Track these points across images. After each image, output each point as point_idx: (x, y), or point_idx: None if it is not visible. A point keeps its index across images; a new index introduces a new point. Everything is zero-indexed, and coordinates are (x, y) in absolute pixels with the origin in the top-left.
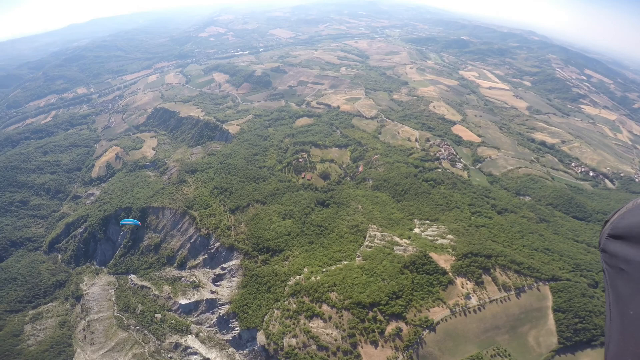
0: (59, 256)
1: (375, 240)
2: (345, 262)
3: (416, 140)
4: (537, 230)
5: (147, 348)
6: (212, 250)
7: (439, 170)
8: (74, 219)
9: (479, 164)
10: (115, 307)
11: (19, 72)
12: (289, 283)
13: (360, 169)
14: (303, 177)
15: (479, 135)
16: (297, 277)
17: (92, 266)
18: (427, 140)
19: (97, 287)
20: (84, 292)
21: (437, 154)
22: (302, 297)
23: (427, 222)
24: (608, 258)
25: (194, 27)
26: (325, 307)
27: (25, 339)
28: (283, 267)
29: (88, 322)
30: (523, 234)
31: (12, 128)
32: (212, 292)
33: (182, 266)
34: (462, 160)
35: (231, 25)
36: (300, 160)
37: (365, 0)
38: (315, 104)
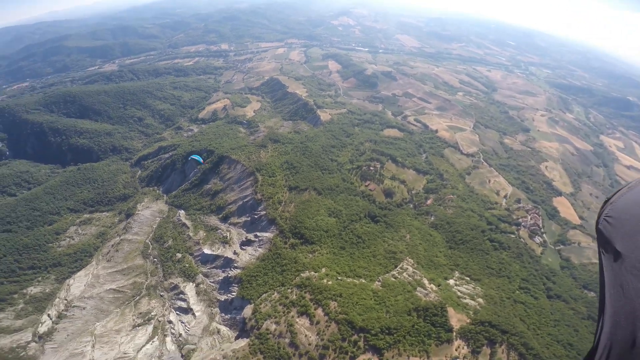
0: (139, 172)
1: (404, 274)
2: (363, 281)
3: (505, 196)
4: (576, 325)
5: (148, 280)
6: (256, 216)
7: (512, 236)
8: (167, 144)
9: (562, 246)
10: (151, 235)
11: (188, 20)
12: (302, 274)
13: (429, 202)
14: (366, 185)
15: (580, 217)
16: (312, 272)
17: (157, 191)
18: (518, 201)
19: (149, 211)
20: (137, 212)
21: (520, 220)
22: (305, 292)
23: (467, 278)
24: (603, 239)
25: (330, 13)
26: (319, 311)
27: (61, 239)
28: (305, 258)
29: (120, 240)
30: (558, 322)
31: (162, 63)
32: (234, 252)
33: (225, 219)
34: (544, 235)
35: (362, 20)
36: (371, 168)
37: (519, 31)
38: (413, 120)
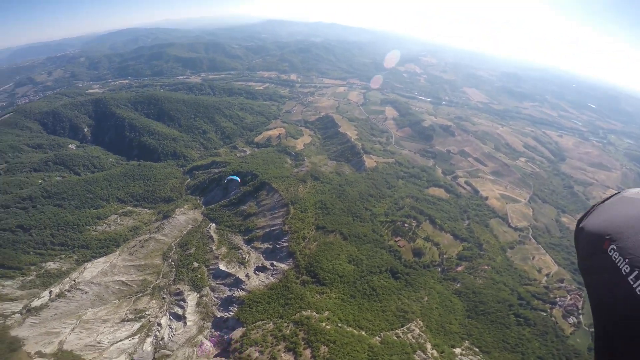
0: (188, 180)
1: (409, 335)
2: (363, 333)
3: (547, 275)
4: None
5: (158, 281)
6: (278, 246)
7: (543, 314)
8: (220, 160)
9: None
10: (178, 240)
11: (269, 47)
12: (303, 312)
13: (460, 268)
14: (396, 241)
15: None
16: (314, 313)
17: (198, 201)
18: (561, 280)
19: (185, 217)
20: (173, 216)
21: (557, 299)
22: (299, 330)
23: (476, 349)
24: (582, 251)
25: (397, 58)
26: (307, 352)
27: (100, 224)
28: (312, 297)
29: (149, 238)
30: None
31: (237, 84)
32: (247, 275)
33: (249, 241)
34: (581, 317)
35: (429, 68)
36: (405, 224)
37: (604, 91)
38: (463, 182)
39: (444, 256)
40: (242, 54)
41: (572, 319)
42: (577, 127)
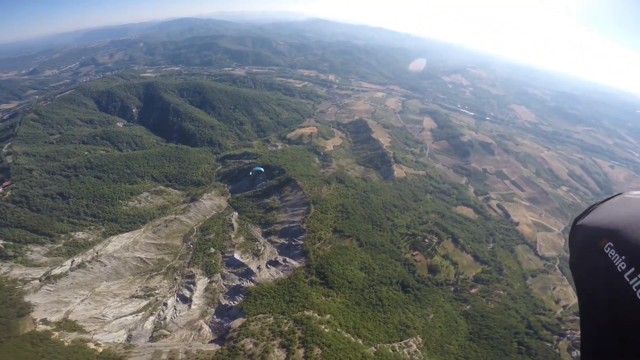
0: (219, 167)
1: (405, 350)
2: (360, 342)
3: (564, 307)
4: None
5: (174, 261)
6: (293, 243)
7: (548, 345)
8: (252, 152)
9: None
10: (201, 224)
11: (312, 45)
12: (305, 311)
13: (473, 290)
14: (413, 255)
15: None
16: (316, 314)
17: (225, 188)
18: (577, 313)
19: (210, 202)
20: (200, 200)
21: (567, 332)
22: (298, 328)
23: None
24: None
25: (444, 68)
26: (301, 351)
27: (132, 199)
28: (317, 299)
29: (174, 218)
30: None
31: (278, 79)
32: (258, 267)
33: (267, 234)
34: None
35: (476, 81)
36: (426, 240)
37: None
38: (495, 204)
39: (460, 276)
40: (285, 51)
41: (576, 353)
42: (633, 158)
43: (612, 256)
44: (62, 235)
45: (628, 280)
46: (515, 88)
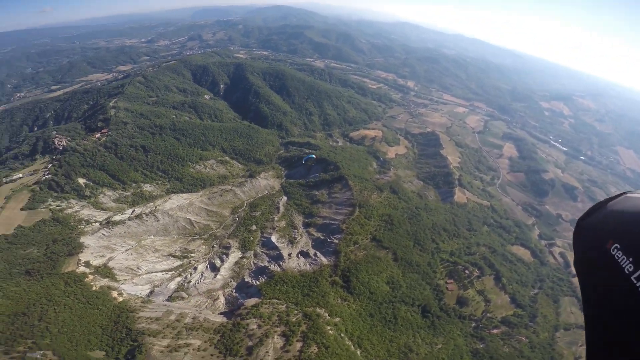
0: (282, 151)
1: None
2: (359, 352)
3: None
4: None
5: (217, 230)
6: (329, 240)
7: None
8: (314, 143)
9: None
10: (251, 200)
11: (395, 48)
12: (317, 309)
13: (495, 331)
14: (446, 282)
15: None
16: (326, 314)
17: (282, 172)
18: None
19: (265, 182)
20: (257, 178)
21: None
22: (304, 323)
23: None
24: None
25: (544, 93)
26: (298, 345)
27: (199, 164)
28: (334, 300)
29: (230, 189)
30: None
31: (353, 77)
32: (289, 254)
33: (306, 225)
34: None
35: (581, 113)
36: (466, 271)
37: None
38: (558, 252)
39: (487, 314)
40: (366, 49)
41: None
42: None
43: (619, 257)
44: (133, 185)
45: (635, 282)
46: (628, 127)
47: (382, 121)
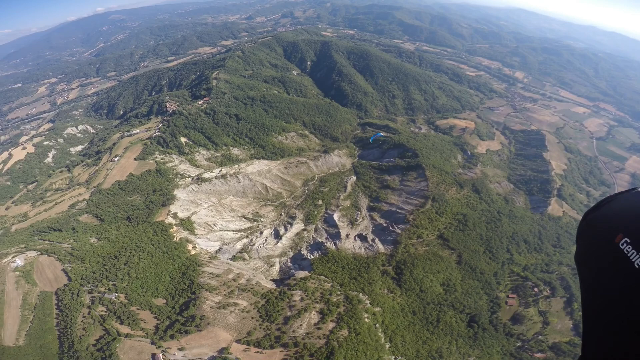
0: (358, 131)
1: None
2: (387, 346)
3: None
4: None
5: (287, 199)
6: (390, 228)
7: None
8: (393, 127)
9: None
10: (322, 175)
11: (504, 35)
12: (361, 294)
13: (538, 355)
14: (507, 296)
15: None
16: (368, 302)
17: (355, 152)
18: None
19: (337, 159)
20: (330, 154)
21: None
22: (343, 306)
23: None
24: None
25: None
26: (330, 325)
27: (281, 135)
28: (380, 289)
29: (305, 162)
30: None
31: (448, 62)
32: (347, 235)
33: (371, 209)
34: None
35: None
36: (535, 289)
37: None
38: None
39: (539, 336)
40: (467, 34)
41: None
42: None
43: (628, 252)
44: (224, 147)
45: None
46: None
47: (477, 112)
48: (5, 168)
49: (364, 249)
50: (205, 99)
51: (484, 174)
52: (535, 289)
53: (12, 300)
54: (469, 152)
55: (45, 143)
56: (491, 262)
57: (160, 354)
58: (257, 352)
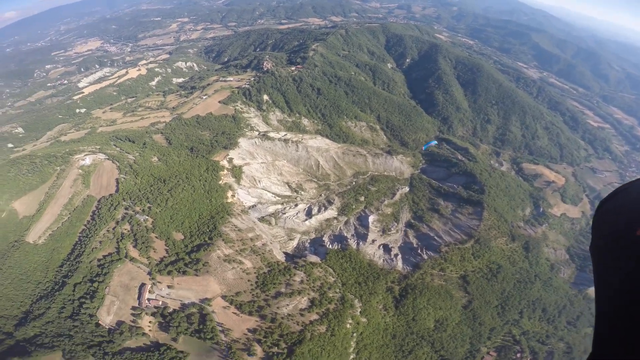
0: (432, 144)
1: None
2: (352, 357)
3: None
4: None
5: (332, 183)
6: (419, 252)
7: None
8: (473, 153)
9: None
10: (376, 174)
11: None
12: (356, 301)
13: None
14: (488, 353)
15: None
16: (358, 309)
17: (420, 164)
18: None
19: (397, 164)
20: (392, 157)
21: None
22: (334, 304)
23: None
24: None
25: None
26: (312, 316)
27: (352, 122)
28: (376, 303)
29: (363, 155)
30: None
31: (574, 104)
32: (373, 240)
33: (408, 225)
34: None
35: None
36: (518, 355)
37: None
38: None
39: None
40: (613, 78)
41: None
42: None
43: None
44: (296, 115)
45: None
46: None
47: (575, 169)
48: (119, 82)
49: (383, 259)
50: (298, 66)
51: (544, 236)
52: (519, 354)
53: (61, 197)
54: (541, 209)
55: (156, 69)
56: (497, 317)
57: (149, 286)
58: (235, 313)
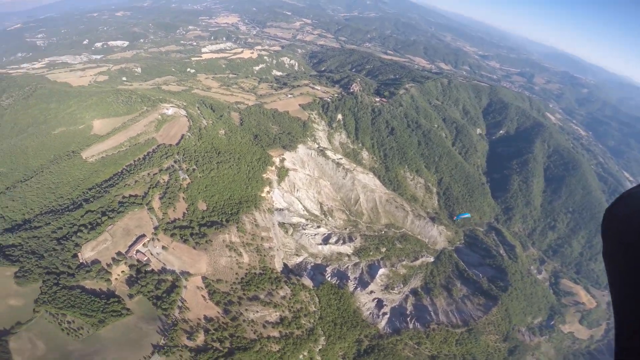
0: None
1: None
2: None
3: None
4: None
5: (360, 222)
6: (409, 320)
7: None
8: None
9: None
10: (409, 234)
11: None
12: (322, 339)
13: None
14: None
15: None
16: (320, 347)
17: (458, 242)
18: None
19: (435, 233)
20: (435, 224)
21: None
22: (301, 332)
23: None
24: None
25: None
26: (275, 333)
27: (411, 174)
28: (340, 350)
29: (406, 210)
30: None
31: None
32: (370, 292)
33: (413, 292)
34: None
35: None
36: None
37: None
38: None
39: None
40: None
41: None
42: None
43: None
44: (359, 144)
45: None
46: None
47: None
48: (231, 57)
49: (370, 312)
50: (382, 99)
51: (537, 345)
52: None
53: (132, 130)
54: (552, 322)
55: (264, 57)
56: None
57: (146, 239)
58: (203, 296)
